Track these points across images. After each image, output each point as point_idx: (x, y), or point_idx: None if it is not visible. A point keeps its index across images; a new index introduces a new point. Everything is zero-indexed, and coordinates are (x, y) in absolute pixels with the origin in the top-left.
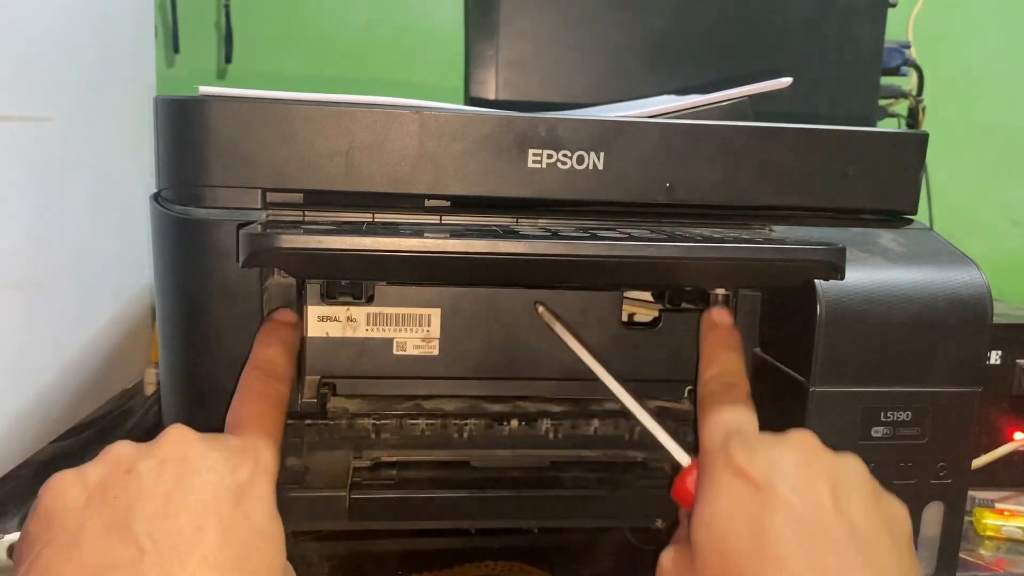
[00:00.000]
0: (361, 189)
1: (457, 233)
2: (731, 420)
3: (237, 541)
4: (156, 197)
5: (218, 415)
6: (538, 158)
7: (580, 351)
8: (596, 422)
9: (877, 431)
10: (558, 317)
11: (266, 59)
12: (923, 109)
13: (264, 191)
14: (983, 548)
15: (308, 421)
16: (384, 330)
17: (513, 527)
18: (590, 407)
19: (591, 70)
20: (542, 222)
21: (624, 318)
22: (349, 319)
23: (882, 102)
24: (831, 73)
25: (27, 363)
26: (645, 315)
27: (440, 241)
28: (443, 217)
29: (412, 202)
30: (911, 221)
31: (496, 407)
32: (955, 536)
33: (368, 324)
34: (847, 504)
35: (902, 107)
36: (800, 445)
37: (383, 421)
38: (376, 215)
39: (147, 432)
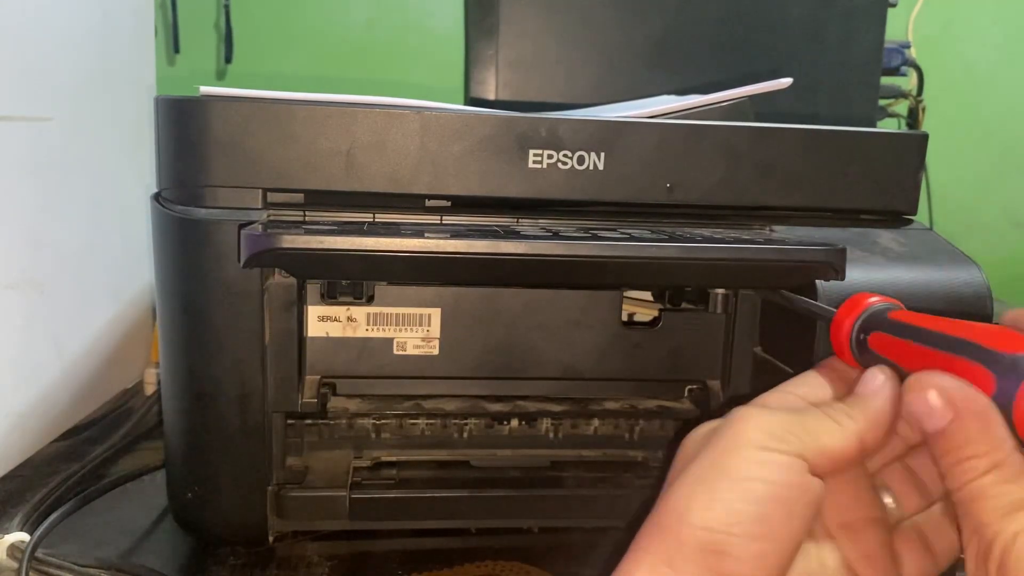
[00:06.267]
0: (362, 189)
1: (458, 233)
2: None
3: None
4: (157, 197)
5: (218, 415)
6: (539, 158)
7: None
8: (596, 422)
9: None
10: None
11: (266, 59)
12: (923, 109)
13: (265, 191)
14: None
15: (308, 421)
16: (384, 330)
17: (513, 527)
18: (590, 407)
19: (591, 70)
20: (543, 222)
21: (624, 318)
22: (349, 319)
23: (882, 102)
24: (831, 73)
25: (27, 363)
26: (645, 315)
27: (441, 241)
28: (444, 217)
29: (413, 202)
30: (911, 221)
31: (496, 407)
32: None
33: (368, 324)
34: None
35: (902, 107)
36: None
37: (383, 421)
38: (377, 215)
39: (147, 432)
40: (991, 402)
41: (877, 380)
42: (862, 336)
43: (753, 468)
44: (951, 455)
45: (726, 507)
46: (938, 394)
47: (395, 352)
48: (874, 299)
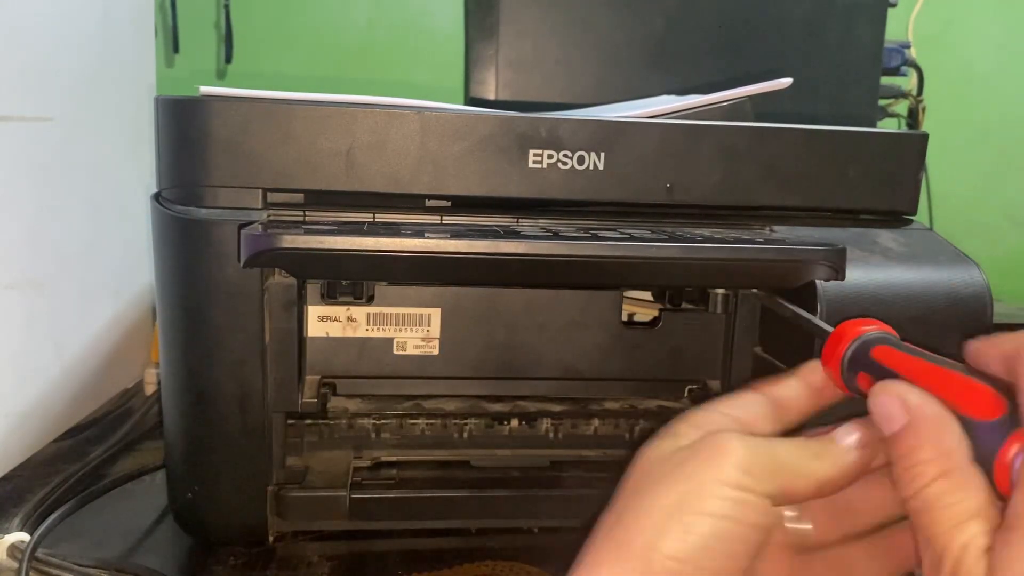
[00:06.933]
0: (362, 189)
1: (458, 233)
2: None
3: None
4: (157, 197)
5: (218, 415)
6: (539, 158)
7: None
8: (596, 422)
9: None
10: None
11: (266, 59)
12: (923, 109)
13: (265, 191)
14: None
15: (308, 421)
16: (384, 330)
17: (513, 527)
18: (590, 407)
19: (591, 70)
20: (543, 222)
21: (624, 318)
22: (349, 319)
23: (882, 102)
24: (831, 73)
25: (27, 363)
26: (645, 315)
27: (441, 241)
28: (444, 217)
29: (413, 202)
30: (911, 221)
31: (496, 407)
32: None
33: (368, 324)
34: None
35: (902, 107)
36: None
37: (383, 421)
38: (377, 215)
39: (147, 432)
40: (947, 413)
41: (852, 439)
42: (859, 354)
43: (727, 506)
44: (903, 460)
45: (699, 542)
46: (897, 399)
47: (395, 352)
48: (871, 327)
